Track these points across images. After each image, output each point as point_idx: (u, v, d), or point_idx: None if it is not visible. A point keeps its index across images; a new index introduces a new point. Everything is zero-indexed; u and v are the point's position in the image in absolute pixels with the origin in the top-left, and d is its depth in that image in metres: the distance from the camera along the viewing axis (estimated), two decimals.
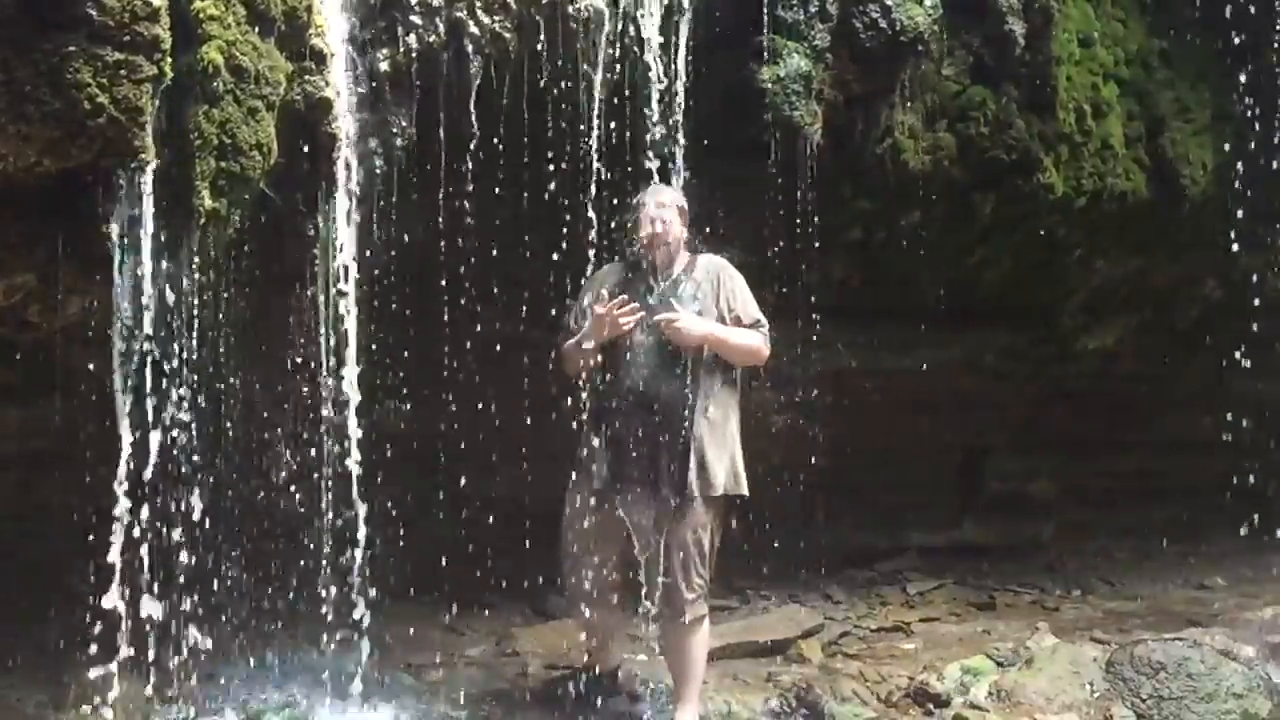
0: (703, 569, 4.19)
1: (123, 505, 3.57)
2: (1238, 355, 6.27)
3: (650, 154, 4.42)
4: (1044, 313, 6.50)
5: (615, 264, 4.39)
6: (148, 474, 3.64)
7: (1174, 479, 7.56)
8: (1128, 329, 6.92)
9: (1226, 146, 6.12)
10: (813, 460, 5.62)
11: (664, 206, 4.19)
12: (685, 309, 4.12)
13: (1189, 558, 7.27)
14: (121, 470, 3.56)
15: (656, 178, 4.32)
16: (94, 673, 3.79)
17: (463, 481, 5.17)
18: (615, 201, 4.47)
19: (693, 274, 4.23)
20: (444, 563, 5.06)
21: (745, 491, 4.23)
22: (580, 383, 4.28)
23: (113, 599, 3.59)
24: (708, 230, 4.56)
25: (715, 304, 4.19)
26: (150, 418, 3.67)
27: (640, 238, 4.21)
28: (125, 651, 3.73)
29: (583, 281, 4.38)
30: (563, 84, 4.42)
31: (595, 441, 4.21)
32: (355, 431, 4.13)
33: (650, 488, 4.13)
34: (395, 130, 4.25)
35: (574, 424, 4.35)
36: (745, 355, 4.23)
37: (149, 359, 3.66)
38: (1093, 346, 6.87)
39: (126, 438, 3.58)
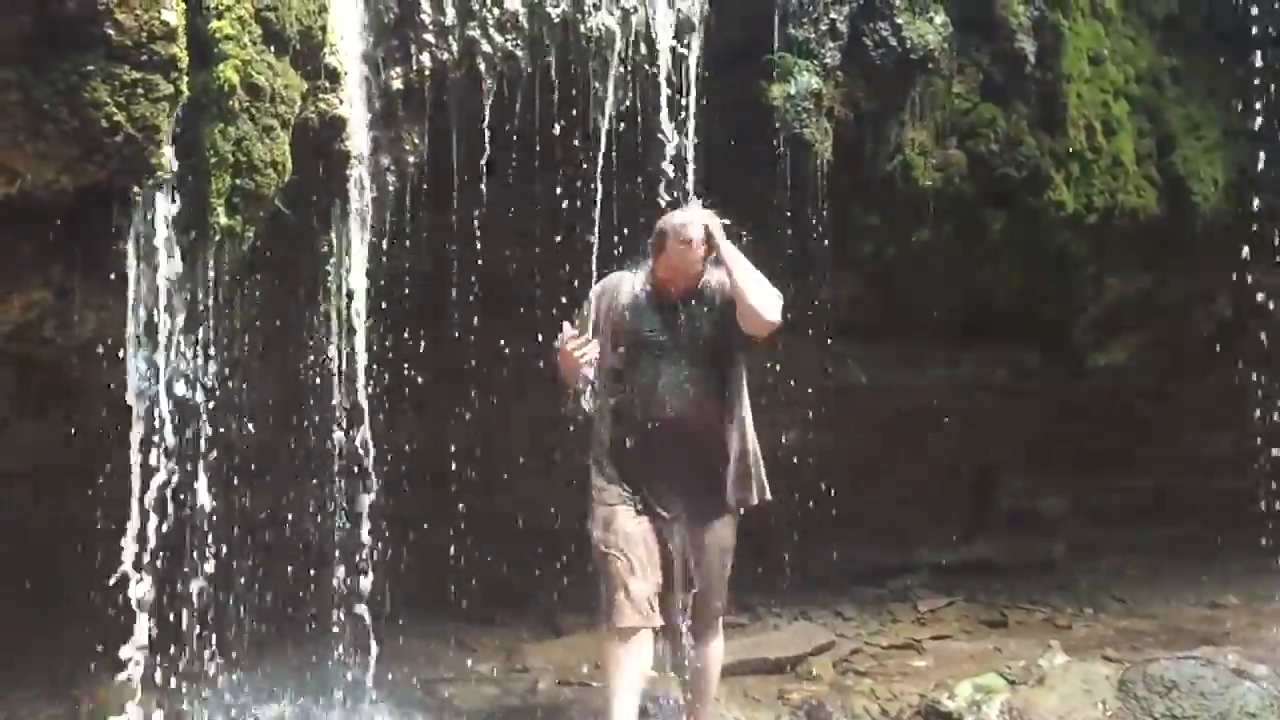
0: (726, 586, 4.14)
1: (135, 520, 3.58)
2: (1251, 373, 6.25)
3: (661, 170, 4.43)
4: (1055, 330, 6.50)
5: (626, 275, 4.15)
6: (155, 490, 3.65)
7: (1186, 496, 7.53)
8: (1139, 346, 6.91)
9: (1237, 163, 6.11)
10: (823, 477, 5.62)
11: (697, 258, 3.97)
12: (706, 325, 3.99)
13: (1202, 576, 7.24)
14: (135, 485, 3.58)
15: (699, 203, 4.12)
16: (105, 687, 3.80)
17: (473, 497, 5.18)
18: (626, 220, 4.49)
19: (706, 292, 4.05)
20: (454, 578, 5.07)
21: (769, 496, 4.14)
22: (583, 402, 4.12)
23: (125, 612, 3.60)
24: None
25: (730, 322, 3.99)
26: (163, 432, 3.69)
27: (662, 278, 4.02)
28: (136, 666, 3.74)
29: (588, 297, 4.16)
30: (575, 102, 4.44)
31: (615, 463, 4.02)
32: (368, 447, 4.14)
33: (683, 505, 3.99)
34: (408, 147, 4.29)
35: (583, 439, 4.26)
36: (763, 305, 3.90)
37: (163, 374, 3.68)
38: (1104, 364, 6.86)
39: (136, 456, 3.60)
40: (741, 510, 4.09)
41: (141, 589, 3.56)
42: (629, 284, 4.10)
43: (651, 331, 4.00)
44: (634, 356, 4.00)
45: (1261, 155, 6.01)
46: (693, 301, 4.03)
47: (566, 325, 3.85)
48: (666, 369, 3.97)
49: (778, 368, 5.09)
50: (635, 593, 3.87)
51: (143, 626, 3.60)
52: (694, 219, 3.95)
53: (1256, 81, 5.91)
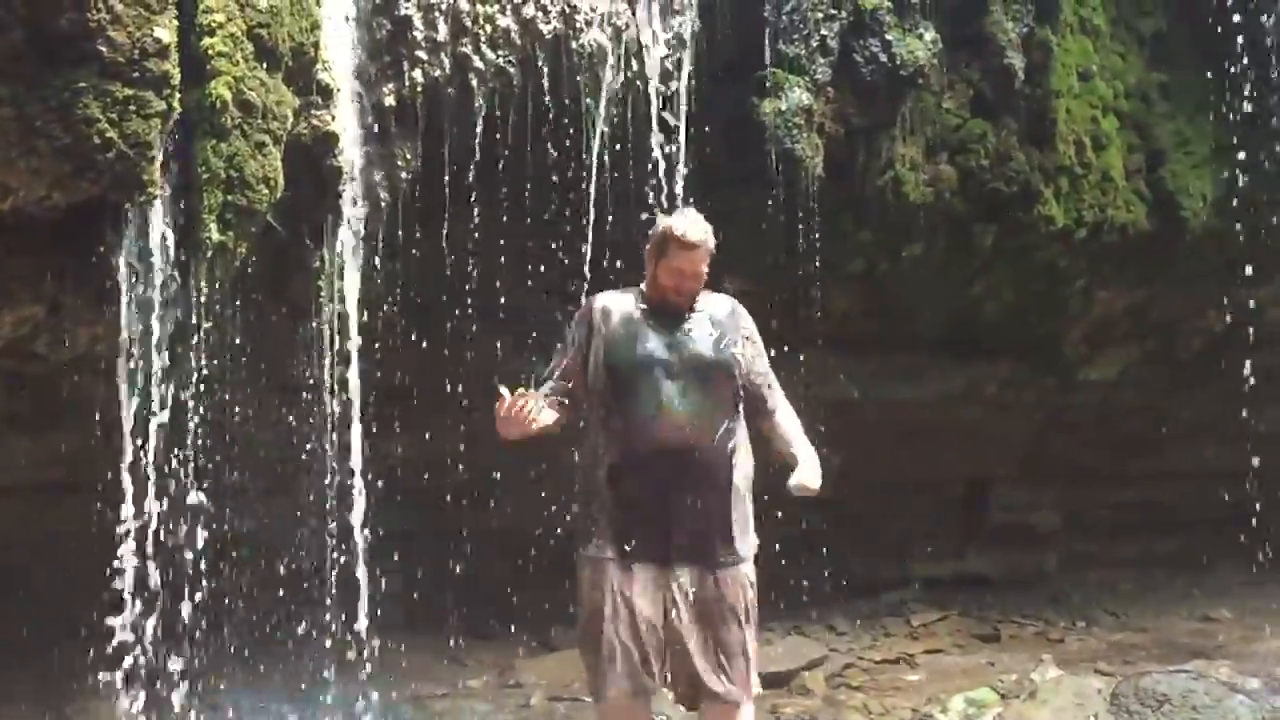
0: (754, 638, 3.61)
1: (128, 526, 3.58)
2: (1242, 387, 6.27)
3: (653, 186, 4.45)
4: (1046, 344, 6.52)
5: (616, 293, 3.78)
6: (151, 503, 3.66)
7: (1178, 510, 7.55)
8: (1130, 360, 6.93)
9: (1226, 178, 6.15)
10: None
11: (700, 261, 3.63)
12: (709, 346, 3.61)
13: (1194, 589, 7.25)
14: (126, 498, 3.58)
15: (694, 210, 3.78)
16: (97, 702, 3.79)
17: (466, 512, 5.18)
18: (618, 235, 4.50)
19: (705, 311, 3.69)
20: (447, 593, 5.06)
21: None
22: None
23: (118, 627, 3.59)
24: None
25: (738, 347, 3.67)
26: (156, 446, 3.70)
27: (664, 286, 3.63)
28: (129, 681, 3.73)
29: (575, 318, 3.77)
30: (566, 117, 4.46)
31: (611, 505, 3.55)
32: (360, 462, 4.14)
33: (689, 549, 3.51)
34: (400, 163, 4.30)
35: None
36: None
37: (155, 389, 3.68)
38: (1095, 377, 6.88)
39: (127, 471, 3.60)
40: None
41: (129, 613, 3.55)
42: (621, 301, 3.72)
43: (652, 350, 3.59)
44: (632, 380, 3.57)
45: (1248, 170, 6.05)
46: (694, 318, 3.66)
47: (503, 390, 3.44)
48: (668, 392, 3.54)
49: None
50: (622, 655, 3.45)
51: (134, 641, 3.60)
52: (696, 222, 3.63)
53: (1246, 91, 5.95)
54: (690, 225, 3.62)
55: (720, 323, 3.67)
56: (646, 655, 3.46)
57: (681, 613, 3.49)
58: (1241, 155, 6.01)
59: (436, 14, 4.17)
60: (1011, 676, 5.26)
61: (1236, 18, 5.85)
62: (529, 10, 4.31)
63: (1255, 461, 6.35)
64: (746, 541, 3.62)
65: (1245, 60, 5.93)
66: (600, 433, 3.60)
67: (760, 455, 3.69)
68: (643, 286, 3.71)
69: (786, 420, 3.76)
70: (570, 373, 3.65)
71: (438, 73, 4.23)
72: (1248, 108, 5.99)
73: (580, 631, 3.59)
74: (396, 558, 4.71)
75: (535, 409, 3.43)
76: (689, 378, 3.56)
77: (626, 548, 3.50)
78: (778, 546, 5.44)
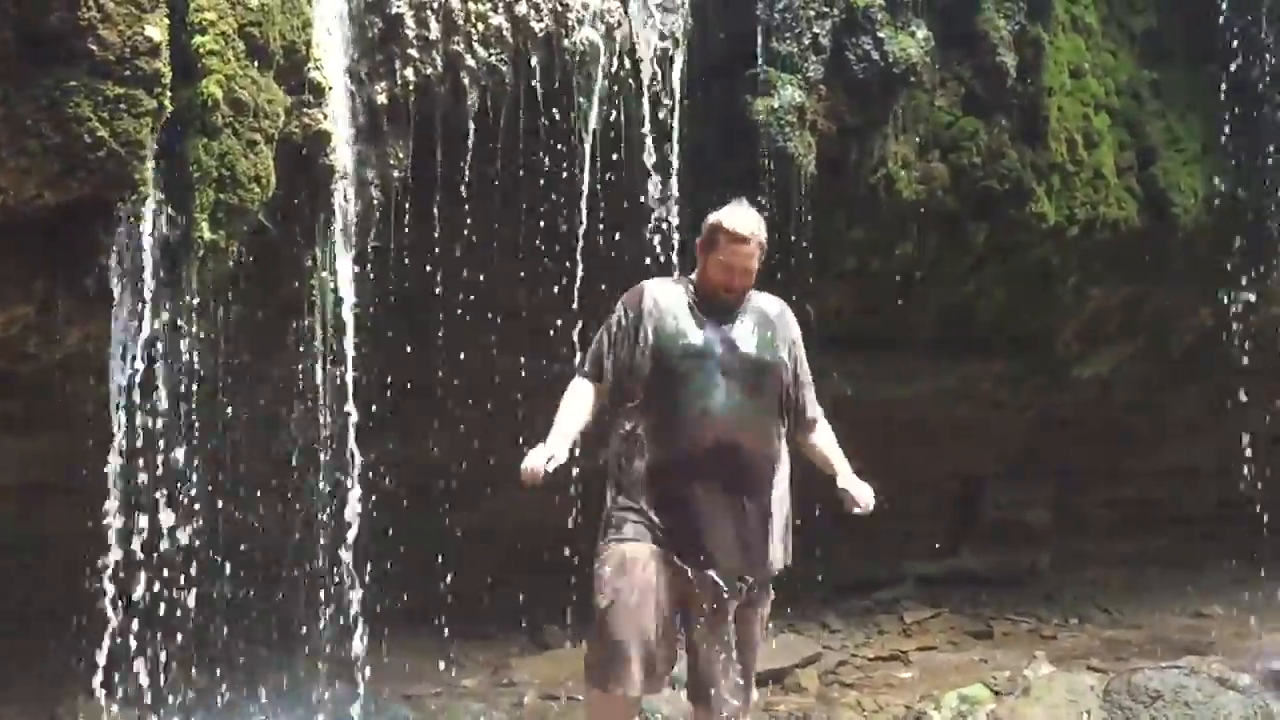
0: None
1: (116, 527, 3.58)
2: (1234, 384, 6.29)
3: (645, 184, 4.45)
4: (1038, 341, 6.53)
5: (668, 280, 3.73)
6: (142, 504, 3.65)
7: (1171, 507, 7.57)
8: (1122, 357, 6.94)
9: (1216, 178, 6.16)
10: (808, 489, 5.61)
11: (750, 255, 3.54)
12: (760, 346, 3.55)
13: (1186, 586, 7.27)
14: (114, 501, 3.58)
15: (746, 202, 3.71)
16: (88, 703, 3.78)
17: (460, 511, 5.17)
18: (611, 234, 4.50)
19: (756, 309, 3.62)
20: (441, 593, 5.05)
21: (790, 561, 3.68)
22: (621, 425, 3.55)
23: (109, 628, 3.58)
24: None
25: (785, 351, 3.62)
26: (147, 446, 3.69)
27: (714, 281, 3.55)
28: (120, 682, 3.72)
29: (623, 300, 3.63)
30: (558, 116, 4.46)
31: (648, 500, 3.43)
32: (352, 459, 4.14)
33: (725, 552, 3.42)
34: (392, 162, 4.29)
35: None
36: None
37: (145, 388, 3.67)
38: (1087, 375, 6.89)
39: (118, 467, 3.59)
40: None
41: (120, 615, 3.54)
42: (672, 290, 3.62)
43: (703, 343, 3.49)
44: (680, 371, 3.47)
45: (1239, 167, 6.06)
46: (745, 315, 3.58)
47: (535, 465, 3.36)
48: (718, 387, 3.44)
49: None
50: (637, 655, 3.33)
51: (125, 644, 3.59)
52: (747, 215, 3.56)
53: (1237, 89, 5.96)
54: (741, 218, 3.54)
55: (771, 323, 3.60)
56: (661, 655, 3.39)
57: (708, 618, 3.40)
58: (1233, 152, 6.03)
59: (428, 12, 4.17)
60: (1005, 673, 5.27)
61: (1227, 14, 5.87)
62: (521, 8, 4.30)
63: (1248, 458, 6.38)
64: (780, 552, 3.56)
65: (1236, 58, 5.95)
66: (641, 423, 3.46)
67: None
68: (693, 277, 3.62)
69: (825, 434, 3.75)
70: (616, 356, 3.53)
71: (430, 71, 4.22)
72: (1239, 105, 6.01)
73: (597, 620, 3.44)
74: (390, 558, 4.70)
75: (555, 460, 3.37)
76: (740, 377, 3.46)
77: (661, 545, 3.40)
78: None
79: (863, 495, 3.62)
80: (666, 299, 3.56)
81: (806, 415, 3.70)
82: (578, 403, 3.56)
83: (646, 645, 3.36)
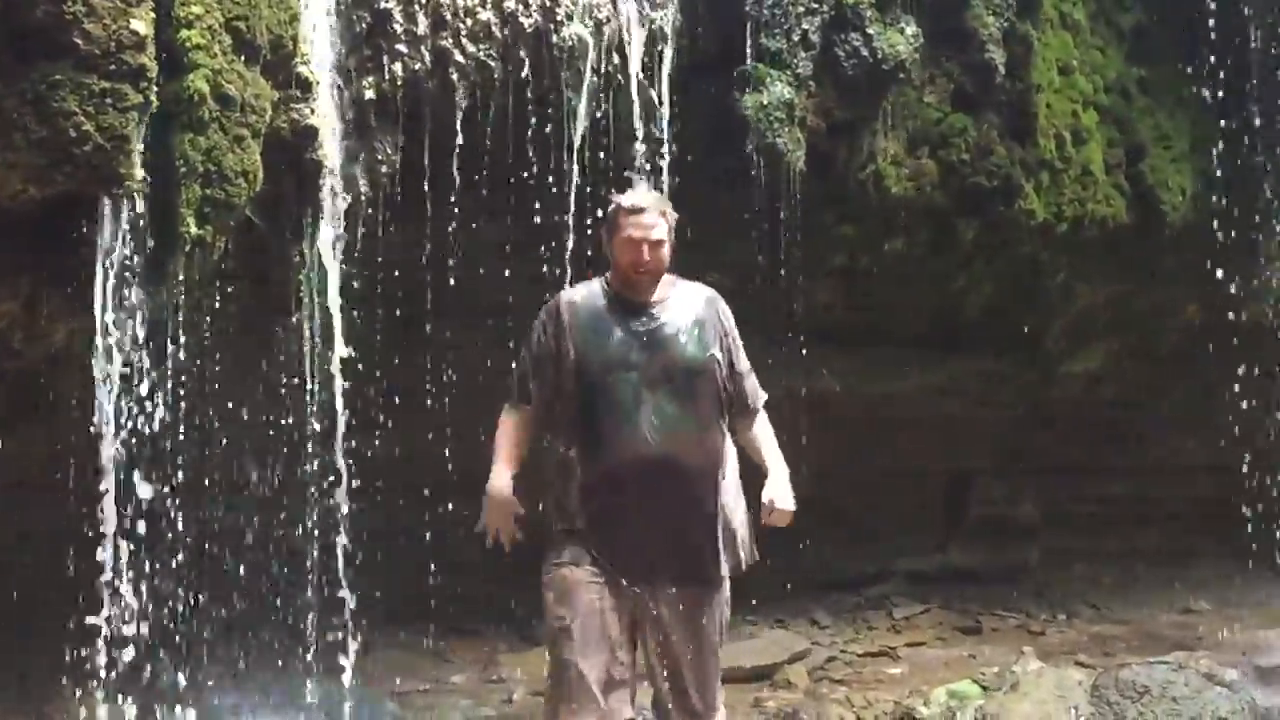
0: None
1: (109, 528, 3.56)
2: (1221, 380, 6.30)
3: (634, 180, 4.43)
4: (1027, 338, 6.54)
5: (579, 289, 3.56)
6: (130, 502, 3.63)
7: (1159, 503, 7.59)
8: (1110, 354, 6.96)
9: (1205, 173, 6.18)
10: (797, 485, 5.61)
11: (652, 225, 3.36)
12: (688, 345, 3.39)
13: (1174, 582, 7.29)
14: (105, 496, 3.56)
15: (637, 179, 3.74)
16: (78, 703, 3.76)
17: (449, 507, 5.16)
18: (600, 231, 4.48)
19: (683, 301, 3.46)
20: (430, 589, 5.04)
21: (756, 557, 3.56)
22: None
23: (97, 627, 3.57)
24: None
25: (717, 345, 3.44)
26: (133, 444, 3.67)
27: (624, 265, 3.39)
28: (110, 681, 3.71)
29: (540, 317, 3.51)
30: (547, 112, 4.45)
31: (585, 521, 3.34)
32: (341, 457, 4.13)
33: (667, 571, 3.32)
34: (380, 157, 4.28)
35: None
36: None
37: (133, 385, 3.65)
38: (1076, 371, 6.91)
39: (109, 464, 3.58)
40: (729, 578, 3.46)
41: (108, 609, 3.53)
42: (588, 295, 3.47)
43: (624, 351, 3.34)
44: (602, 386, 3.32)
45: (1227, 164, 6.08)
46: (667, 310, 3.40)
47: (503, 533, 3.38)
48: (644, 401, 3.29)
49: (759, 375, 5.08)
50: (591, 680, 3.25)
51: (114, 642, 3.58)
52: (644, 192, 3.47)
53: (1224, 86, 5.98)
54: (637, 194, 3.45)
55: (699, 317, 3.43)
56: (617, 677, 3.29)
57: (658, 636, 3.33)
58: (1220, 149, 6.05)
59: (416, 7, 4.16)
60: (993, 669, 5.28)
61: (1214, 11, 5.88)
62: (510, 4, 4.30)
63: (1236, 454, 6.40)
64: (738, 555, 3.45)
65: (1224, 55, 5.97)
66: (573, 442, 3.36)
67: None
68: (607, 276, 3.49)
69: (762, 429, 3.58)
70: (542, 377, 3.42)
71: (418, 66, 4.21)
72: (1226, 102, 6.02)
73: (548, 648, 3.42)
74: (380, 555, 4.69)
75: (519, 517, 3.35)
76: (667, 385, 3.31)
77: (601, 565, 3.31)
78: (758, 540, 5.45)
79: (779, 514, 3.42)
80: (584, 307, 3.42)
81: (747, 407, 3.55)
82: (509, 440, 3.48)
83: (598, 670, 3.27)
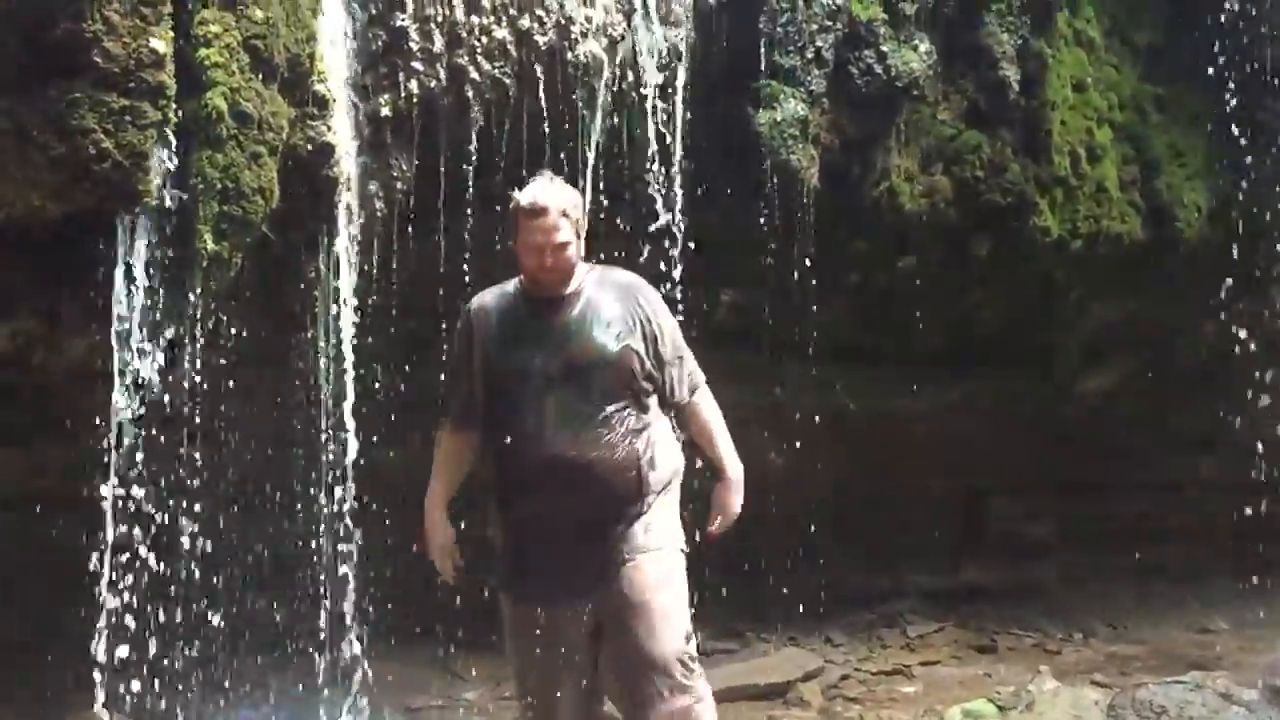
0: (688, 641, 3.25)
1: (114, 539, 3.58)
2: (1239, 398, 6.27)
3: (648, 197, 4.45)
4: (1042, 355, 6.52)
5: (492, 291, 3.42)
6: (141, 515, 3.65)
7: (1176, 521, 7.53)
8: (1126, 371, 6.93)
9: (1220, 190, 6.16)
10: (812, 502, 5.61)
11: (554, 228, 3.16)
12: (598, 337, 3.21)
13: (1191, 600, 7.23)
14: (115, 508, 3.58)
15: (541, 173, 3.44)
16: (88, 714, 3.77)
17: (462, 526, 5.16)
18: (613, 248, 4.49)
19: (598, 292, 3.28)
20: (441, 604, 5.04)
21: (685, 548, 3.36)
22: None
23: (108, 640, 3.58)
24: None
25: (636, 335, 3.24)
26: (148, 459, 3.69)
27: (528, 268, 3.23)
28: (120, 696, 3.72)
29: (456, 325, 3.43)
30: (562, 130, 4.47)
31: (507, 537, 3.30)
32: (352, 470, 4.14)
33: (595, 574, 3.19)
34: (396, 174, 4.31)
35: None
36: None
37: (148, 399, 3.68)
38: (1091, 389, 6.88)
39: (116, 475, 3.60)
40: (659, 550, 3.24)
41: (124, 617, 3.54)
42: (500, 297, 3.34)
43: (530, 354, 3.19)
44: (504, 390, 3.21)
45: (1243, 181, 6.06)
46: (580, 303, 3.23)
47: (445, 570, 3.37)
48: (545, 403, 3.14)
49: (774, 392, 5.09)
50: (557, 705, 3.23)
51: (126, 655, 3.59)
52: (544, 187, 3.24)
53: (1240, 103, 5.96)
54: (536, 190, 3.22)
55: (614, 304, 3.25)
56: (586, 693, 3.24)
57: (601, 651, 3.22)
58: (1236, 167, 6.03)
59: (432, 25, 4.19)
60: (1009, 688, 5.25)
61: (1229, 29, 5.87)
62: (525, 22, 4.32)
63: (1254, 474, 6.35)
64: (663, 535, 3.24)
65: (1239, 71, 5.95)
66: (488, 450, 3.28)
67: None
68: (517, 286, 3.36)
69: (706, 415, 3.37)
70: (460, 389, 3.34)
71: (434, 84, 4.24)
72: (1242, 119, 6.00)
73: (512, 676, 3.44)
74: (392, 569, 4.70)
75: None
76: (575, 383, 3.14)
77: (526, 588, 3.25)
78: (773, 557, 5.47)
79: (720, 522, 3.33)
80: (495, 309, 3.31)
81: (674, 398, 3.34)
82: (440, 466, 3.49)
83: (565, 693, 3.23)
